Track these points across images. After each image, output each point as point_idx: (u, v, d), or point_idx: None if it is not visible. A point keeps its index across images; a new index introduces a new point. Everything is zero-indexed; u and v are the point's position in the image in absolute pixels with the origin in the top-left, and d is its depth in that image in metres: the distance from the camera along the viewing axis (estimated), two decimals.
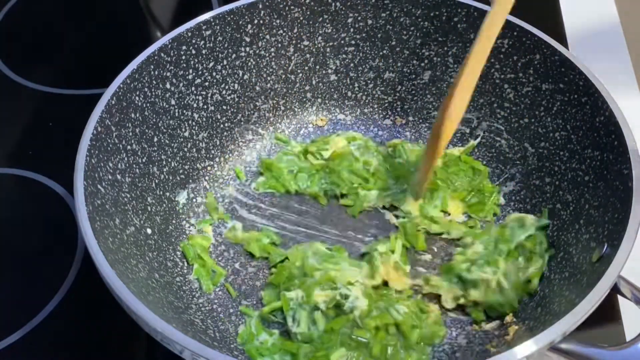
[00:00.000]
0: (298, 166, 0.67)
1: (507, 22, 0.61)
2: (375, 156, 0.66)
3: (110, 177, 0.53)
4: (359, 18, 0.67)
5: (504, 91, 0.64)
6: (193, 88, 0.63)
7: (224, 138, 0.68)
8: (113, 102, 0.55)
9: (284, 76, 0.69)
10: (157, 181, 0.60)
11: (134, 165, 0.57)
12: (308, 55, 0.69)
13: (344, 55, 0.69)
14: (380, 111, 0.72)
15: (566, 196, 0.57)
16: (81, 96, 0.79)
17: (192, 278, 0.59)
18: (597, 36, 0.83)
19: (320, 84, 0.71)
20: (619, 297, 0.50)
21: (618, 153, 0.51)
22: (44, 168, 0.70)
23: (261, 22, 0.65)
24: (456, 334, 0.55)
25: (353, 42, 0.69)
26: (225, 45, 0.64)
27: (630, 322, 0.57)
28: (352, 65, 0.70)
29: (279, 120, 0.71)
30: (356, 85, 0.71)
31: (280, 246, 0.62)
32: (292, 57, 0.68)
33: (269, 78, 0.68)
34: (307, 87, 0.71)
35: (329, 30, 0.68)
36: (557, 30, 0.83)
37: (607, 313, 0.57)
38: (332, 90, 0.71)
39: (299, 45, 0.68)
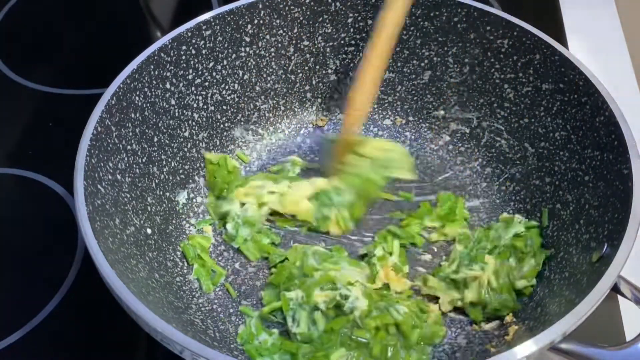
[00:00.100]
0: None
1: (507, 22, 0.61)
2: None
3: (110, 177, 0.53)
4: (359, 18, 0.67)
5: (504, 91, 0.64)
6: (193, 88, 0.63)
7: (224, 138, 0.68)
8: (113, 102, 0.55)
9: (284, 76, 0.69)
10: (157, 181, 0.60)
11: (134, 165, 0.57)
12: (308, 55, 0.69)
13: (344, 55, 0.69)
14: (380, 111, 0.72)
15: (566, 196, 0.57)
16: (81, 96, 0.79)
17: (192, 278, 0.59)
18: (597, 36, 0.83)
19: (320, 84, 0.71)
20: (619, 297, 0.50)
21: (618, 153, 0.51)
22: (44, 168, 0.70)
23: (261, 22, 0.65)
24: (456, 334, 0.55)
25: (353, 42, 0.69)
26: (225, 45, 0.64)
27: (630, 322, 0.57)
28: (352, 65, 0.70)
29: (279, 120, 0.71)
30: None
31: (280, 246, 0.62)
32: (292, 57, 0.68)
33: (269, 78, 0.68)
34: (307, 87, 0.71)
35: (329, 30, 0.68)
36: (557, 30, 0.83)
37: (607, 313, 0.57)
38: (332, 90, 0.71)
39: (299, 45, 0.68)
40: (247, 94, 0.68)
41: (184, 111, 0.63)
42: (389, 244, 0.60)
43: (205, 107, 0.65)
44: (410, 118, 0.71)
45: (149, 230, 0.57)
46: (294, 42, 0.67)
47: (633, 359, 0.43)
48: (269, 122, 0.71)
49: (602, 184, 0.53)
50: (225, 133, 0.68)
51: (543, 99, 0.61)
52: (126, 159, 0.56)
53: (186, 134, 0.64)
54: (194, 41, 0.61)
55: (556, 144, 0.59)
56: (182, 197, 0.64)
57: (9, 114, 0.78)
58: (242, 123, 0.69)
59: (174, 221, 0.62)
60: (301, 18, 0.66)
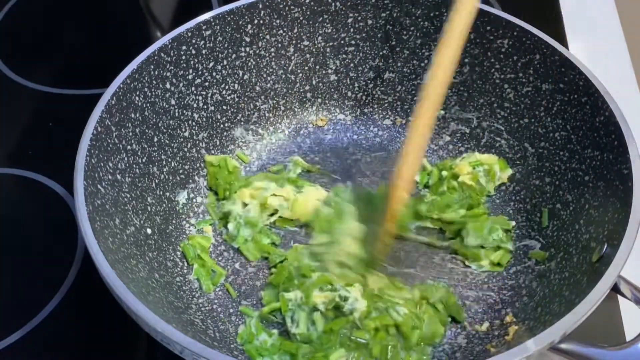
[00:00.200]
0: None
1: (507, 22, 0.61)
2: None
3: (110, 177, 0.53)
4: (359, 18, 0.67)
5: (504, 91, 0.64)
6: (193, 88, 0.63)
7: (224, 138, 0.68)
8: (113, 102, 0.55)
9: (284, 76, 0.69)
10: (157, 181, 0.60)
11: (134, 165, 0.57)
12: (308, 55, 0.69)
13: (344, 55, 0.69)
14: (380, 111, 0.72)
15: (566, 196, 0.57)
16: (81, 96, 0.79)
17: (192, 278, 0.59)
18: (597, 36, 0.83)
19: (320, 84, 0.71)
20: (619, 297, 0.50)
21: (618, 153, 0.51)
22: (44, 168, 0.70)
23: (261, 22, 0.65)
24: (456, 334, 0.55)
25: (353, 42, 0.69)
26: (225, 45, 0.64)
27: (630, 322, 0.57)
28: (352, 65, 0.70)
29: (279, 120, 0.71)
30: (356, 85, 0.71)
31: (280, 246, 0.62)
32: (292, 57, 0.68)
33: (269, 78, 0.68)
34: (307, 87, 0.71)
35: (329, 30, 0.68)
36: (557, 30, 0.83)
37: (607, 313, 0.57)
38: (332, 90, 0.71)
39: (299, 45, 0.68)
40: (247, 94, 0.68)
41: (184, 111, 0.63)
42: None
43: (205, 107, 0.65)
44: (410, 118, 0.71)
45: (149, 230, 0.57)
46: (294, 42, 0.67)
47: (633, 359, 0.43)
48: (269, 122, 0.71)
49: (602, 184, 0.53)
50: (225, 133, 0.68)
51: (543, 99, 0.61)
52: (126, 159, 0.56)
53: (186, 134, 0.64)
54: (194, 41, 0.61)
55: (556, 144, 0.60)
56: (182, 197, 0.64)
57: (9, 114, 0.78)
58: (242, 123, 0.69)
59: (174, 221, 0.62)
60: (301, 18, 0.66)
